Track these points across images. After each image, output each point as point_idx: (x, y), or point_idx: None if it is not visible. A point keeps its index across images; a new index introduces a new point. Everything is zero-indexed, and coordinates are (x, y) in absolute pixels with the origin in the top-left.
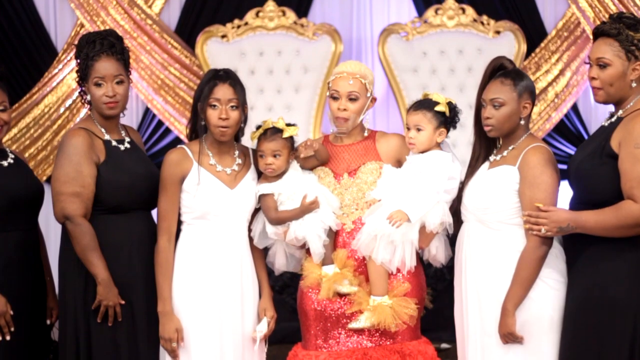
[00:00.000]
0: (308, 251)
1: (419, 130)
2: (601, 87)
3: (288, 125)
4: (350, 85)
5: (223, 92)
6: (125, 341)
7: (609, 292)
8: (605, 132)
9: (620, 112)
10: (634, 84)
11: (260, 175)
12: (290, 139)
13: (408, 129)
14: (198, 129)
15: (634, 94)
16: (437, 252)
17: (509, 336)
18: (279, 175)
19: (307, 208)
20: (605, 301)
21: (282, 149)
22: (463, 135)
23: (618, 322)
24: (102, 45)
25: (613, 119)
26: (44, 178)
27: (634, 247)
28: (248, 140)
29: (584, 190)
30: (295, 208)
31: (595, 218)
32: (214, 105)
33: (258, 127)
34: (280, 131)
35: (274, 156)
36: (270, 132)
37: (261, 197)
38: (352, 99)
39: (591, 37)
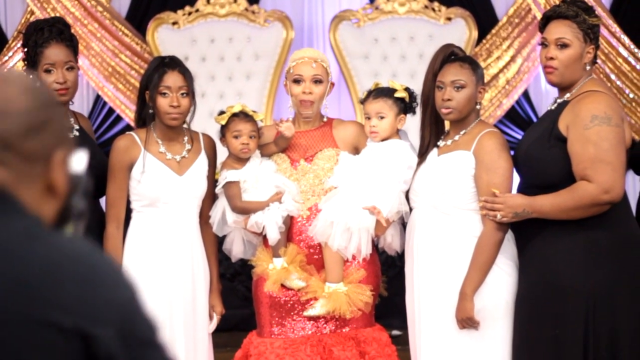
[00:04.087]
0: (264, 239)
1: (381, 117)
2: (557, 68)
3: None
4: (313, 69)
5: (173, 79)
6: None
7: (562, 277)
8: (552, 115)
9: (567, 95)
10: (587, 67)
11: (210, 159)
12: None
13: (368, 118)
14: (145, 116)
15: (582, 78)
16: (392, 240)
17: (467, 321)
18: (244, 162)
19: (273, 201)
20: (559, 286)
21: (257, 131)
22: (414, 122)
23: (572, 306)
24: (50, 32)
25: (559, 101)
26: None
27: (584, 228)
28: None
29: (533, 174)
30: (262, 201)
31: (551, 201)
32: (165, 93)
33: (222, 112)
34: (250, 115)
35: (250, 137)
36: (243, 115)
37: (226, 185)
38: (317, 82)
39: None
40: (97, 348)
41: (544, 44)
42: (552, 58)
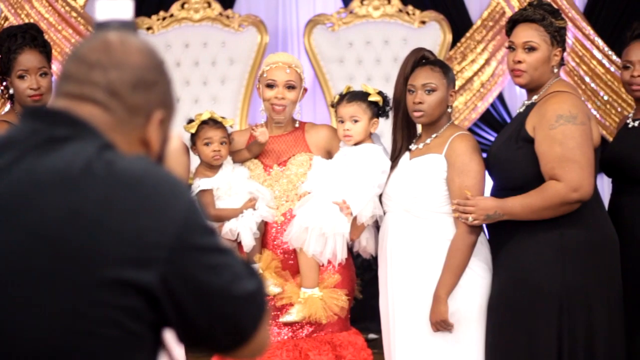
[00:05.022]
0: (239, 246)
1: (355, 121)
2: (526, 70)
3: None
4: (287, 74)
5: None
6: None
7: (534, 276)
8: (521, 117)
9: (535, 97)
10: (555, 70)
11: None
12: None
13: (342, 121)
14: None
15: (550, 80)
16: (367, 244)
17: (441, 324)
18: (216, 169)
19: (247, 208)
20: (530, 286)
21: (227, 137)
22: (388, 126)
23: (544, 305)
24: (24, 39)
25: (527, 103)
26: None
27: (555, 228)
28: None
29: (503, 176)
30: (236, 208)
31: (521, 202)
32: None
33: (190, 121)
34: (220, 122)
35: (221, 143)
36: (212, 121)
37: (199, 193)
38: (290, 87)
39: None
40: (152, 281)
41: (511, 48)
42: (519, 61)
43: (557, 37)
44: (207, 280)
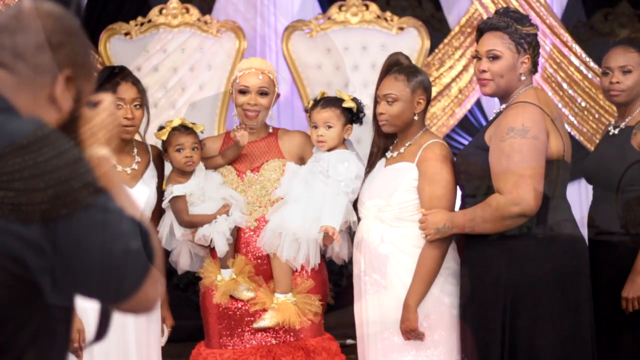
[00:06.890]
0: (212, 251)
1: (329, 127)
2: (491, 79)
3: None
4: (260, 81)
5: (127, 91)
6: None
7: (485, 276)
8: (488, 125)
9: (503, 106)
10: (523, 77)
11: (158, 170)
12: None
13: (315, 127)
14: None
15: (519, 88)
16: (340, 250)
17: (411, 333)
18: (188, 175)
19: (221, 214)
20: (481, 284)
21: (198, 143)
22: (368, 132)
23: (491, 304)
24: None
25: (496, 111)
26: None
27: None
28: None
29: (460, 182)
30: (209, 214)
31: (467, 216)
32: (119, 105)
33: (161, 128)
34: (190, 128)
35: (193, 149)
36: (183, 128)
37: (173, 200)
38: (263, 94)
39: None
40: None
41: (477, 57)
42: (484, 70)
43: (524, 45)
44: (87, 236)
